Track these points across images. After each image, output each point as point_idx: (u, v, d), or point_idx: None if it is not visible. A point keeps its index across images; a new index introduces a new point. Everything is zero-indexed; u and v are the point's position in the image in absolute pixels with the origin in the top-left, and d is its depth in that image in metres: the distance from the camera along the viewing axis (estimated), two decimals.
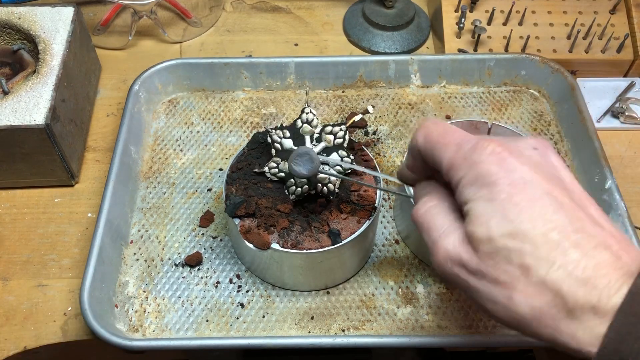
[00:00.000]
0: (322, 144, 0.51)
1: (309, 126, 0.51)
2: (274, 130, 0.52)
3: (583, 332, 0.29)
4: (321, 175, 0.49)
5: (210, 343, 0.49)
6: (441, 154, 0.33)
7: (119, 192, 0.57)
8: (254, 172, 0.52)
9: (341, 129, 0.51)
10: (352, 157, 0.51)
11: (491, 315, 0.31)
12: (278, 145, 0.51)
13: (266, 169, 0.52)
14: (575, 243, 0.29)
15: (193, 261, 0.56)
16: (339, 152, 0.51)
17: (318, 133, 0.52)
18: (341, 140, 0.51)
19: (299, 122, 0.52)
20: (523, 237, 0.29)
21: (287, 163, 0.50)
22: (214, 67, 0.68)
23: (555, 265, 0.29)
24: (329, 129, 0.51)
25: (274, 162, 0.51)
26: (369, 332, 0.52)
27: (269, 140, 0.52)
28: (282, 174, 0.51)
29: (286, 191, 0.51)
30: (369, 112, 0.54)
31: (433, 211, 0.35)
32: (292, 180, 0.50)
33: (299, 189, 0.50)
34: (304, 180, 0.49)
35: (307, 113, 0.51)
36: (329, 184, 0.50)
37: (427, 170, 0.37)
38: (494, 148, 0.31)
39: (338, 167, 0.51)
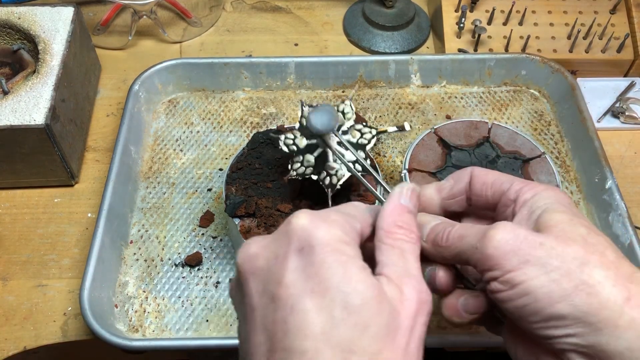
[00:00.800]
0: (346, 137, 0.50)
1: (342, 116, 0.51)
2: (306, 105, 0.51)
3: None
4: (332, 164, 0.48)
5: (210, 343, 0.49)
6: (510, 181, 0.37)
7: (119, 192, 0.57)
8: (271, 134, 0.51)
9: (370, 132, 0.50)
10: (369, 161, 0.50)
11: (539, 290, 0.32)
12: (304, 121, 0.50)
13: (282, 137, 0.50)
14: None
15: (193, 261, 0.56)
16: (359, 151, 0.50)
17: (347, 127, 0.51)
18: (366, 141, 0.50)
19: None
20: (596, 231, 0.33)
21: (304, 139, 0.49)
22: (214, 67, 0.68)
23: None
24: (359, 126, 0.51)
25: (294, 134, 0.50)
26: None
27: (299, 113, 0.51)
28: (294, 148, 0.50)
29: (289, 166, 0.50)
30: (405, 130, 0.53)
31: (466, 225, 0.36)
32: (300, 157, 0.49)
33: (303, 167, 0.49)
34: (312, 160, 0.48)
35: (346, 104, 0.51)
36: (334, 176, 0.48)
37: (459, 196, 0.39)
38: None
39: (350, 165, 0.50)
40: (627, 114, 0.68)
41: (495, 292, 0.33)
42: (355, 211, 0.34)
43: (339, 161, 0.48)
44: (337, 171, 0.48)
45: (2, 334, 0.53)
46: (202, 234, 0.58)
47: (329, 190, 0.48)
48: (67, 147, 0.60)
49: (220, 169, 0.63)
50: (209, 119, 0.68)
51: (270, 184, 0.52)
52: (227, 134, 0.66)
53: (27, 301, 0.55)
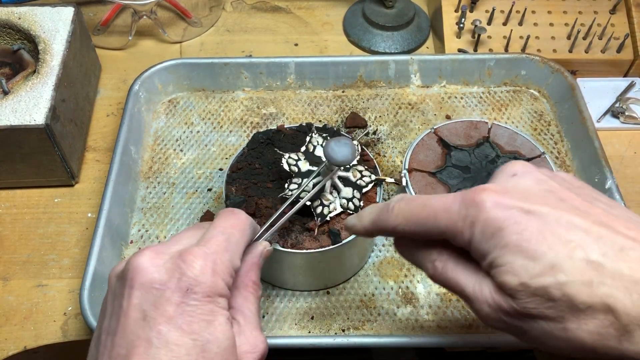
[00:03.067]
0: (347, 174, 0.52)
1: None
2: (316, 133, 0.53)
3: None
4: (328, 195, 0.49)
5: None
6: (436, 226, 0.32)
7: (119, 192, 0.57)
8: (276, 149, 0.54)
9: (370, 177, 0.52)
10: (362, 203, 0.51)
11: (556, 351, 0.30)
12: (310, 147, 0.53)
13: (286, 155, 0.52)
14: (602, 253, 0.28)
15: None
16: (354, 191, 0.51)
17: (350, 165, 0.52)
18: (364, 184, 0.52)
19: None
20: (551, 268, 0.28)
21: (307, 163, 0.50)
22: (214, 67, 0.68)
23: (594, 284, 0.28)
24: (361, 168, 0.52)
25: (298, 156, 0.52)
26: (369, 332, 0.52)
27: (308, 138, 0.53)
28: (295, 169, 0.51)
29: (286, 185, 0.51)
30: (401, 184, 0.55)
31: (450, 266, 0.33)
32: (299, 179, 0.50)
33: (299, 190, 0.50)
34: (310, 186, 0.49)
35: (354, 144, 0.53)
36: (326, 207, 0.50)
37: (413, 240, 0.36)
38: (480, 196, 0.30)
39: (344, 201, 0.51)
40: (627, 114, 0.68)
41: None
42: (237, 245, 0.37)
43: (335, 194, 0.50)
44: (330, 203, 0.50)
45: (2, 334, 0.53)
46: None
47: (318, 219, 0.49)
48: (67, 147, 0.60)
49: (220, 169, 0.63)
50: (209, 119, 0.68)
51: (271, 184, 0.53)
52: (227, 134, 0.66)
53: (27, 301, 0.55)
